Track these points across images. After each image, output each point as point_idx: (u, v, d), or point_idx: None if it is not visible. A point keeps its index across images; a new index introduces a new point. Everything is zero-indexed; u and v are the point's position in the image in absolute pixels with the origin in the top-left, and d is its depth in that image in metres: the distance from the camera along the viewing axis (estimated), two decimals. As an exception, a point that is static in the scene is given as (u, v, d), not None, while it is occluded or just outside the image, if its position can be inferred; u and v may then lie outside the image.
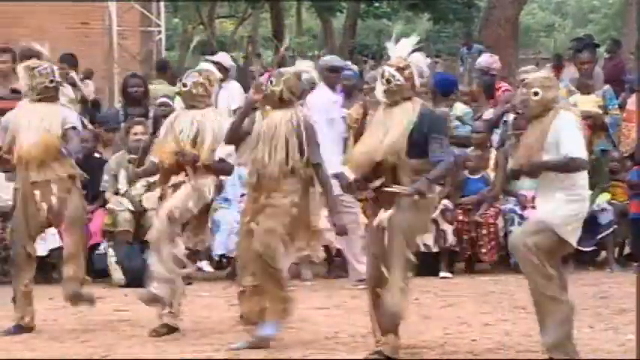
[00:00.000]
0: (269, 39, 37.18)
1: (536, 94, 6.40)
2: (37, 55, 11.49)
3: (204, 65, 7.75)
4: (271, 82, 7.04)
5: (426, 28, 39.11)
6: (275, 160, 6.90)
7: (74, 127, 7.55)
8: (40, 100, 7.57)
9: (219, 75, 7.70)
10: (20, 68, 7.68)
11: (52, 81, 7.57)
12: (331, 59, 10.29)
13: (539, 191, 6.53)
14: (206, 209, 7.45)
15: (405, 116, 6.51)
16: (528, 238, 6.28)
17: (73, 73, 11.62)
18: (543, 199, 6.42)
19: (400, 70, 6.57)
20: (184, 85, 7.46)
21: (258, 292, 7.04)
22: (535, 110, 6.41)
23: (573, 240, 6.39)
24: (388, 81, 6.56)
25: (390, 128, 6.50)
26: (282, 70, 7.24)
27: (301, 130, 6.93)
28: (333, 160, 8.41)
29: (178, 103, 8.04)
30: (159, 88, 11.75)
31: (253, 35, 41.30)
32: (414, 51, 6.66)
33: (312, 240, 7.09)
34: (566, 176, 6.31)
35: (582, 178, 6.38)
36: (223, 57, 11.57)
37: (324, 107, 9.60)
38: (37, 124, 7.47)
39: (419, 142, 6.48)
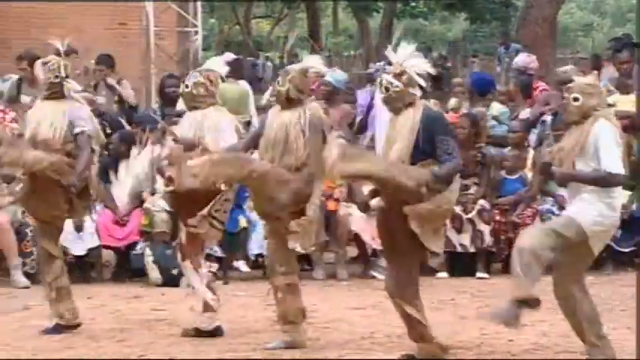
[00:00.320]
0: (305, 39, 37.24)
1: (576, 99, 6.33)
2: (75, 52, 11.59)
3: (206, 64, 7.71)
4: (278, 83, 7.02)
5: (462, 27, 39.06)
6: (281, 165, 6.88)
7: (83, 132, 7.46)
8: (48, 97, 7.52)
9: (221, 72, 7.57)
10: (37, 65, 7.65)
11: (56, 76, 7.52)
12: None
13: (568, 193, 6.50)
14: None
15: (407, 125, 6.47)
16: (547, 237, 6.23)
17: (110, 79, 11.60)
18: (573, 201, 6.39)
19: (397, 76, 6.54)
20: (186, 87, 7.45)
21: (291, 290, 7.05)
22: (574, 116, 6.34)
23: (596, 248, 6.33)
24: (387, 89, 6.54)
25: (395, 141, 6.47)
26: (288, 68, 7.21)
27: (306, 130, 6.90)
28: None
29: (180, 105, 8.01)
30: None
31: (289, 35, 41.39)
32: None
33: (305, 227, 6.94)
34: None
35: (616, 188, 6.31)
36: (228, 57, 11.61)
37: None
38: (33, 127, 7.49)
39: (424, 145, 6.43)
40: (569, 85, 6.44)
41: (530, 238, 6.24)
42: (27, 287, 9.37)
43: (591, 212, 6.21)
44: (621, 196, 6.40)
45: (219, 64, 7.67)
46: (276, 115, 7.00)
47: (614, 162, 6.20)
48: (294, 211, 6.86)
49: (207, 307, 7.37)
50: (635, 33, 19.68)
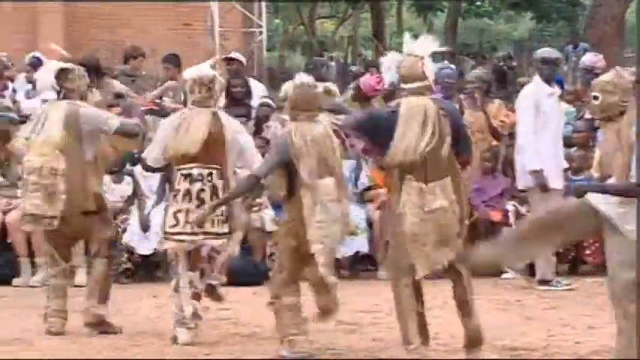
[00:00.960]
0: (369, 39, 37.21)
1: (595, 98, 6.24)
2: (143, 55, 11.67)
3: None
4: None
5: (528, 27, 38.74)
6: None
7: None
8: None
9: (209, 76, 7.37)
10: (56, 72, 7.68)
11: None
12: (545, 51, 10.17)
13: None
14: None
15: None
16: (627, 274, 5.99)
17: (165, 99, 11.53)
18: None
19: None
20: None
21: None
22: (596, 114, 6.28)
23: None
24: None
25: None
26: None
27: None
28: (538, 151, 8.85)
29: None
30: None
31: (353, 35, 41.40)
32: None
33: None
34: None
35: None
36: (237, 54, 11.68)
37: (534, 100, 9.52)
38: None
39: None
40: (592, 83, 6.40)
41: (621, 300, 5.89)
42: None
43: None
44: None
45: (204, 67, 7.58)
46: None
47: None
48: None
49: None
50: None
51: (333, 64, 34.61)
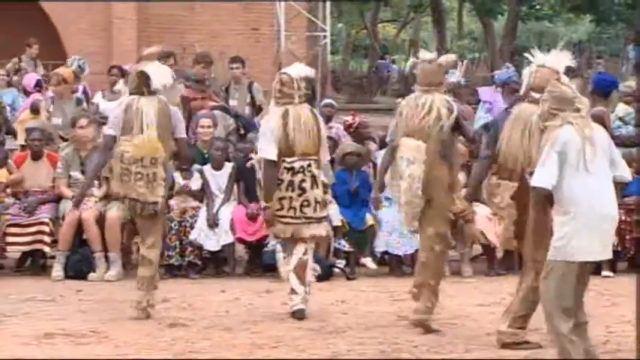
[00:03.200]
0: (430, 42, 37.20)
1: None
2: (211, 62, 11.87)
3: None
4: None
5: (587, 29, 38.51)
6: None
7: None
8: None
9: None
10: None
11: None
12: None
13: None
14: None
15: None
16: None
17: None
18: None
19: None
20: None
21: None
22: (542, 122, 6.41)
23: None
24: None
25: None
26: None
27: None
28: None
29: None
30: None
31: (415, 38, 41.41)
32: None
33: None
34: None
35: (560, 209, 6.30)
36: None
37: None
38: None
39: None
40: None
41: None
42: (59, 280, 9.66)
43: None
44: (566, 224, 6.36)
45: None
46: None
47: (536, 175, 6.22)
48: None
49: None
50: None
51: (394, 66, 34.74)
